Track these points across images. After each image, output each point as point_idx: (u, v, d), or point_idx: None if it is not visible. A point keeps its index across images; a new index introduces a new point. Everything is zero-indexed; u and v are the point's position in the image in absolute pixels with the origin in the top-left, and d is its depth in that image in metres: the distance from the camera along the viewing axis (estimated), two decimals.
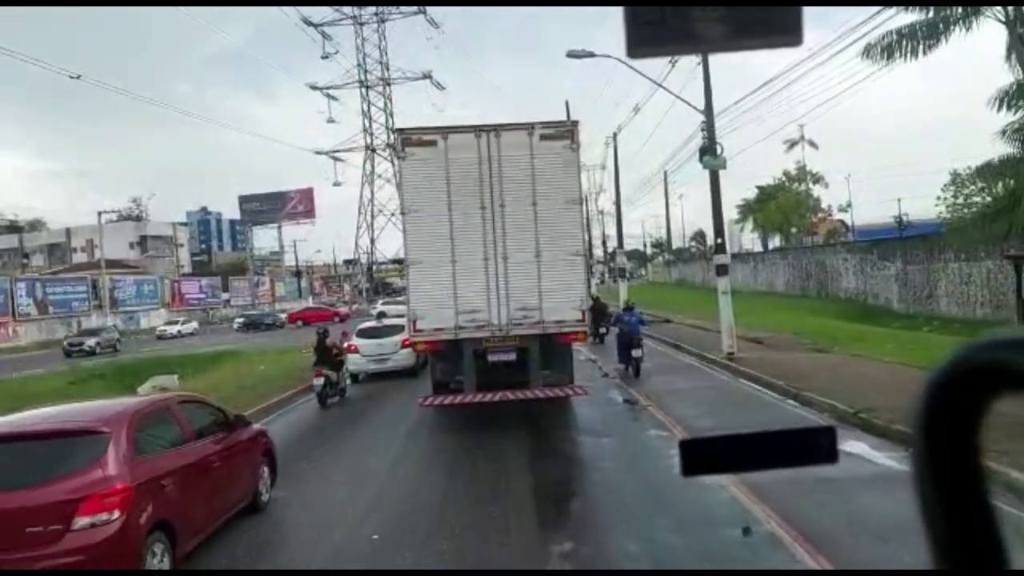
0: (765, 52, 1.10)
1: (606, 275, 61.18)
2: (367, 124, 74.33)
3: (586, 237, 21.31)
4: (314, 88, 73.91)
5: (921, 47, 10.75)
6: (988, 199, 31.34)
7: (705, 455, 1.27)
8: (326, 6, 69.90)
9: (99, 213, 57.92)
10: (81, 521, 5.33)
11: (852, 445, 8.68)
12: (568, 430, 11.32)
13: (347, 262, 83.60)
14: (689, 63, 18.83)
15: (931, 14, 11.25)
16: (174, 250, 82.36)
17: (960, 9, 10.92)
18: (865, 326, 23.48)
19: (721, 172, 18.18)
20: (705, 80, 17.93)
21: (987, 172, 14.58)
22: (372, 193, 74.68)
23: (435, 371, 12.56)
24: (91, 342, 42.00)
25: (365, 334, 18.75)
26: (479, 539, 6.69)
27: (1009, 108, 12.29)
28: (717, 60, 17.35)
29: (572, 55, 19.57)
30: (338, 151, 74.78)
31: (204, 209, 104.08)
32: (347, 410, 14.78)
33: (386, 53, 74.08)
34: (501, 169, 11.30)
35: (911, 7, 11.45)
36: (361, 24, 72.89)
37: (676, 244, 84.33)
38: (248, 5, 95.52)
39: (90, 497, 5.41)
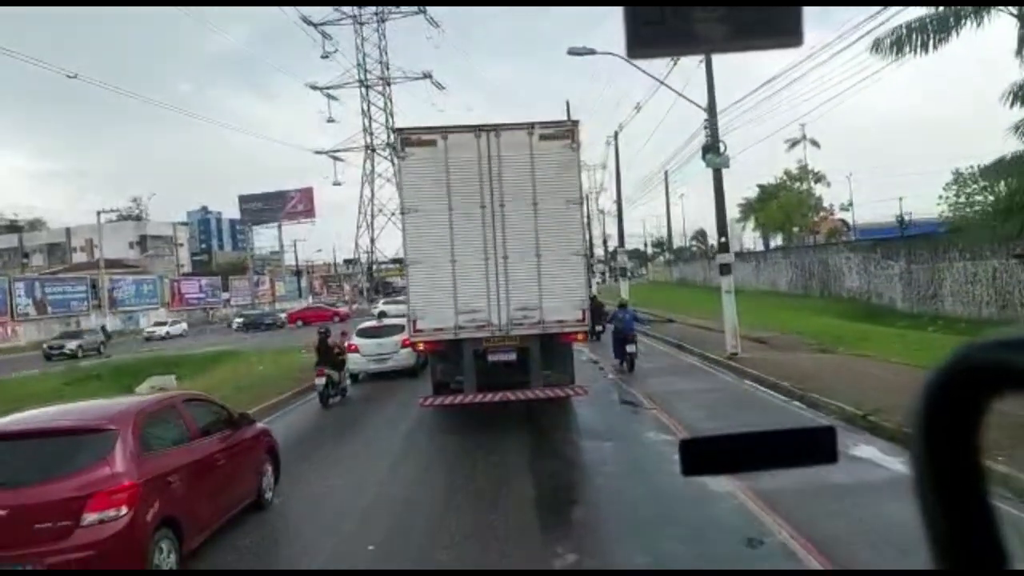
0: (765, 52, 1.08)
1: (607, 274, 61.00)
2: (367, 124, 74.16)
3: (587, 236, 21.18)
4: (314, 88, 73.74)
5: (932, 41, 10.52)
6: (991, 198, 31.29)
7: (705, 454, 1.27)
8: (326, 6, 69.74)
9: (98, 212, 57.75)
10: (90, 517, 5.39)
11: (862, 449, 8.47)
12: (570, 433, 11.12)
13: (347, 262, 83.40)
14: (691, 62, 18.63)
15: (940, 9, 11.07)
16: (174, 250, 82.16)
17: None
18: (869, 326, 23.26)
19: (723, 171, 17.99)
20: (708, 78, 17.73)
21: (998, 169, 14.30)
22: (372, 193, 74.52)
23: (435, 371, 12.50)
24: (72, 345, 40.40)
25: (365, 334, 18.70)
26: (479, 548, 6.47)
27: (1023, 104, 12.07)
28: (718, 59, 17.15)
29: (573, 52, 19.41)
30: (338, 151, 74.68)
31: (204, 209, 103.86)
32: (348, 410, 14.71)
33: (386, 53, 73.89)
34: (501, 169, 11.25)
35: (911, 7, 11.32)
36: (361, 24, 72.65)
37: (677, 243, 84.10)
38: (248, 5, 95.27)
39: (98, 493, 5.48)
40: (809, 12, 0.97)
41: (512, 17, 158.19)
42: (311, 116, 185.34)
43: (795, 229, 61.68)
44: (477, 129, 11.47)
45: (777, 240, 65.48)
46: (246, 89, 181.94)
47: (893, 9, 13.01)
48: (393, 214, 63.15)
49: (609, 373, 16.89)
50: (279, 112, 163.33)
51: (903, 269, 28.34)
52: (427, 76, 73.05)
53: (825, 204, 64.88)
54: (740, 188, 67.11)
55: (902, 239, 33.68)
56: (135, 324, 60.17)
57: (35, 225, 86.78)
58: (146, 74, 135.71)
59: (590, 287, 25.35)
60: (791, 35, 0.96)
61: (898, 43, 10.72)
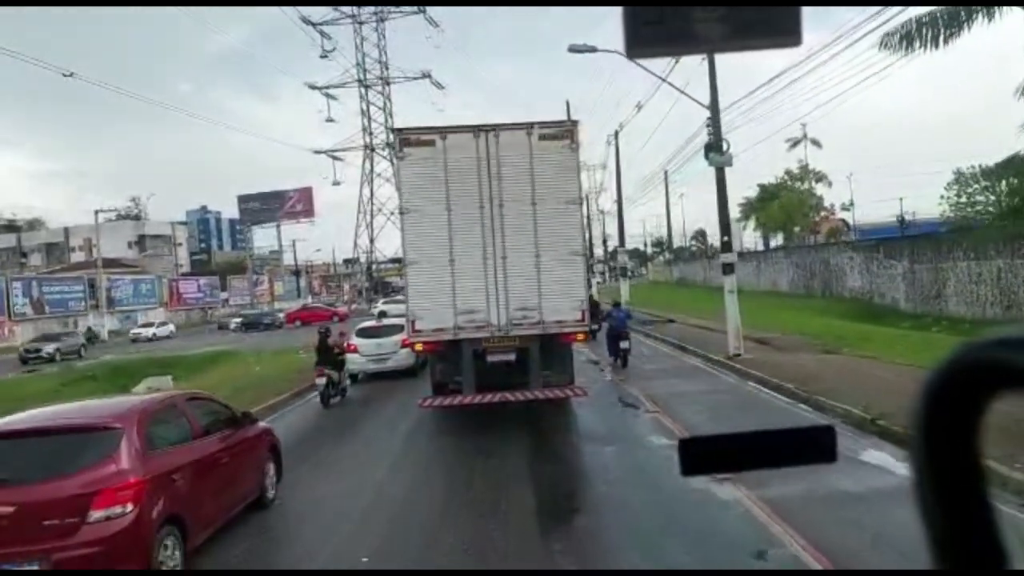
0: (765, 52, 1.08)
1: (607, 274, 60.76)
2: (366, 123, 73.90)
3: (586, 236, 21.04)
4: (313, 88, 73.45)
5: (942, 35, 10.27)
6: (992, 197, 31.09)
7: (704, 454, 1.27)
8: (326, 6, 69.47)
9: (96, 212, 57.53)
10: (96, 514, 5.45)
11: (871, 455, 8.24)
12: (570, 436, 10.91)
13: (347, 261, 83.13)
14: (692, 60, 18.41)
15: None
16: (173, 249, 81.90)
17: None
18: (872, 326, 23.03)
19: (726, 170, 17.75)
20: (711, 76, 17.52)
21: (1009, 167, 14.05)
22: (372, 192, 74.27)
23: (434, 372, 12.48)
24: (50, 348, 38.66)
25: (364, 334, 18.64)
26: (478, 560, 6.24)
27: None
28: (719, 59, 16.93)
29: (574, 49, 19.23)
30: (337, 150, 74.38)
31: (204, 208, 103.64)
32: (347, 411, 14.67)
33: (385, 52, 73.62)
34: (500, 169, 11.21)
35: (911, 7, 11.11)
36: (360, 23, 72.38)
37: (676, 243, 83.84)
38: (248, 5, 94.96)
39: (104, 491, 5.54)
40: (808, 12, 0.98)
41: (512, 17, 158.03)
42: (310, 116, 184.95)
43: (796, 229, 61.45)
44: (476, 129, 11.41)
45: (777, 240, 65.25)
46: (246, 89, 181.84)
47: (893, 10, 12.81)
48: (392, 214, 62.83)
49: (609, 374, 16.67)
50: (278, 112, 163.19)
51: (906, 269, 28.11)
52: (426, 76, 72.90)
53: (826, 204, 64.69)
54: (740, 188, 66.92)
55: (905, 239, 33.47)
56: (134, 324, 59.85)
57: (34, 225, 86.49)
58: (146, 74, 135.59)
59: (590, 287, 25.24)
60: (790, 35, 0.97)
61: (908, 38, 10.49)
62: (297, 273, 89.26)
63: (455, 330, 11.28)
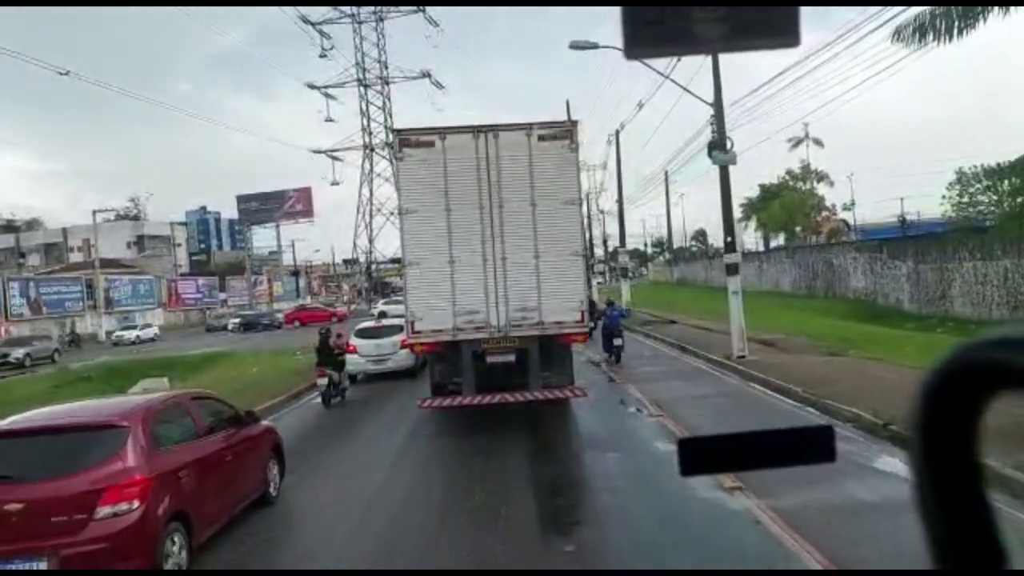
0: (764, 52, 1.08)
1: (607, 275, 60.48)
2: (366, 123, 73.58)
3: (586, 237, 20.91)
4: (312, 87, 73.15)
5: (956, 26, 9.99)
6: (994, 197, 30.87)
7: (704, 454, 1.27)
8: (325, 5, 69.17)
9: (94, 212, 57.41)
10: (103, 511, 5.51)
11: (885, 462, 7.95)
12: (571, 442, 10.64)
13: (346, 262, 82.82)
14: (693, 59, 18.15)
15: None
16: (172, 250, 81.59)
17: None
18: (877, 327, 22.76)
19: (729, 168, 17.48)
20: (714, 73, 17.27)
21: (1016, 168, 13.76)
22: (371, 192, 73.95)
23: (434, 372, 12.46)
24: (18, 353, 36.54)
25: (364, 334, 18.54)
26: (477, 561, 5.96)
27: None
28: (720, 58, 16.68)
29: (575, 46, 18.99)
30: (336, 150, 74.06)
31: (203, 208, 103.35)
32: (346, 412, 14.63)
33: (385, 52, 73.34)
34: (499, 170, 11.19)
35: (911, 7, 10.91)
36: (359, 23, 72.08)
37: (677, 243, 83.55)
38: (248, 5, 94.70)
39: (111, 488, 5.60)
40: (807, 12, 0.98)
41: (512, 17, 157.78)
42: (310, 116, 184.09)
43: (797, 229, 61.17)
44: (475, 130, 11.37)
45: (778, 240, 64.97)
46: (245, 89, 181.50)
47: (893, 10, 12.54)
48: (392, 214, 62.54)
49: (607, 372, 16.39)
50: (278, 112, 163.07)
51: (910, 269, 27.83)
52: (426, 75, 72.66)
53: (827, 204, 64.38)
54: (741, 188, 66.59)
55: (909, 239, 33.20)
56: (132, 324, 59.52)
57: (32, 225, 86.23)
58: (146, 74, 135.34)
59: (589, 288, 25.09)
60: (788, 35, 0.97)
61: (921, 30, 10.22)
62: (296, 273, 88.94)
63: (454, 331, 11.24)
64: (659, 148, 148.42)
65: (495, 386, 11.31)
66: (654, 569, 5.60)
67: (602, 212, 61.66)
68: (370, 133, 73.53)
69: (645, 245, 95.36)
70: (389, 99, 73.90)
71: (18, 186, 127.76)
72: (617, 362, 17.95)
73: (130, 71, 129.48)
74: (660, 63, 18.02)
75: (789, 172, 61.34)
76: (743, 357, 16.35)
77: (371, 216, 74.26)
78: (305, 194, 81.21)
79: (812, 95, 67.90)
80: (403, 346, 15.59)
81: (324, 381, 14.92)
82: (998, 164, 30.94)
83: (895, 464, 7.77)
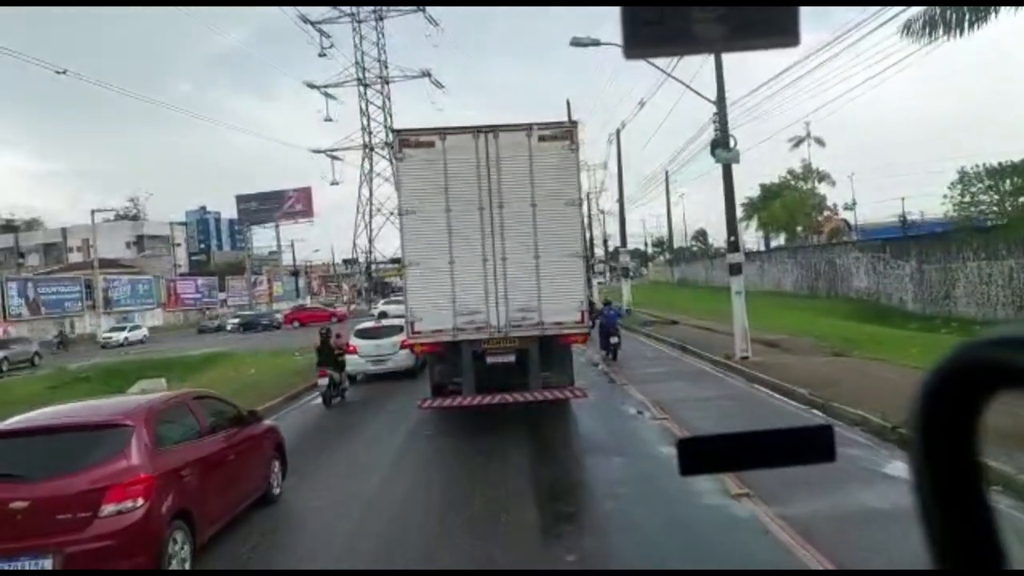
0: (764, 52, 1.08)
1: (607, 274, 60.27)
2: (365, 123, 73.39)
3: (586, 237, 20.83)
4: (312, 86, 72.96)
5: (967, 19, 9.79)
6: (995, 197, 30.71)
7: (703, 453, 1.26)
8: (325, 5, 68.96)
9: (92, 212, 57.09)
10: (108, 508, 5.55)
11: (896, 467, 7.74)
12: (573, 447, 10.43)
13: (346, 262, 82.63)
14: (694, 58, 17.97)
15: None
16: (171, 250, 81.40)
17: None
18: (881, 327, 22.56)
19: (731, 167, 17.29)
20: (717, 70, 17.09)
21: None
22: (371, 192, 73.76)
23: (434, 373, 12.41)
24: None
25: (363, 335, 18.43)
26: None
27: None
28: (722, 56, 16.51)
29: (576, 43, 18.80)
30: (336, 150, 73.86)
31: (203, 208, 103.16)
32: (346, 413, 14.56)
33: (384, 51, 73.16)
34: (499, 170, 11.19)
35: (910, 7, 10.77)
36: (359, 22, 71.88)
37: (677, 243, 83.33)
38: (248, 5, 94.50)
39: (115, 486, 5.63)
40: (807, 12, 0.98)
41: (512, 17, 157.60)
42: (309, 116, 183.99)
43: (799, 229, 60.97)
44: (475, 130, 11.37)
45: (779, 240, 64.76)
46: (245, 89, 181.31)
47: (894, 10, 12.35)
48: (392, 214, 62.35)
49: (611, 377, 16.19)
50: (278, 112, 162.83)
51: (914, 269, 27.63)
52: (426, 74, 72.48)
53: (829, 203, 64.17)
54: (742, 187, 66.29)
55: (912, 238, 33.00)
56: (130, 324, 59.28)
57: (32, 225, 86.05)
58: (145, 74, 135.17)
59: (590, 288, 24.95)
60: (788, 35, 0.97)
61: (931, 23, 10.02)
62: (296, 273, 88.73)
63: (454, 331, 11.23)
64: (660, 148, 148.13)
65: (495, 386, 11.30)
66: (654, 569, 5.55)
67: (602, 212, 61.55)
68: (370, 133, 73.44)
69: (645, 245, 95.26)
70: (389, 98, 73.84)
71: (18, 186, 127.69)
72: (614, 359, 18.22)
73: (130, 71, 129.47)
74: (662, 61, 17.86)
75: (790, 172, 61.16)
76: (746, 358, 16.16)
77: (371, 216, 74.19)
78: (305, 194, 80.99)
79: (813, 95, 67.81)
80: (403, 346, 15.57)
81: (325, 381, 14.91)
82: (1000, 164, 30.82)
83: (906, 469, 7.55)
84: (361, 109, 73.37)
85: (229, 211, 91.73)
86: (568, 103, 49.11)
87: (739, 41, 0.99)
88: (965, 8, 9.64)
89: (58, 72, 32.94)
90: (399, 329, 15.42)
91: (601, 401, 13.11)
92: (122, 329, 49.87)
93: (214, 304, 73.83)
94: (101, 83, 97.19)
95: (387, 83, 73.53)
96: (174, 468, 6.21)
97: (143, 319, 59.79)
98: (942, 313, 24.86)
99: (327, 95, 72.23)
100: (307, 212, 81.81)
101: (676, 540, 6.28)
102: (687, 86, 18.05)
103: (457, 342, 11.30)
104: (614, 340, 18.48)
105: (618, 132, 36.48)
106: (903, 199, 58.45)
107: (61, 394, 18.92)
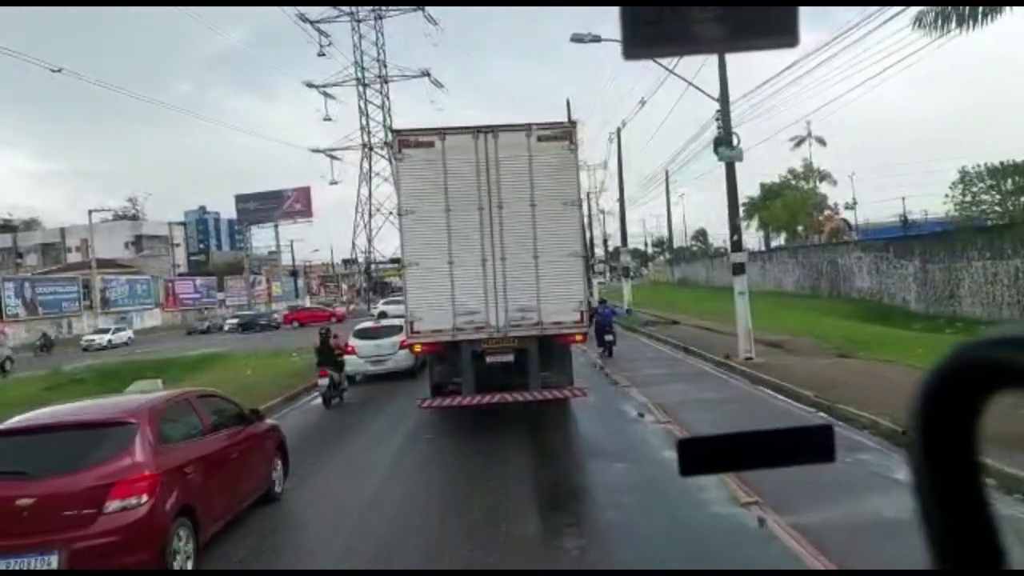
0: (763, 52, 1.07)
1: (607, 274, 60.06)
2: (364, 122, 73.07)
3: (585, 237, 20.73)
4: (311, 86, 72.60)
5: (981, 11, 9.58)
6: (997, 196, 30.52)
7: (703, 454, 1.27)
8: (324, 4, 68.66)
9: (90, 212, 56.93)
10: (112, 505, 5.60)
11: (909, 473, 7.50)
12: (574, 452, 10.20)
13: (345, 262, 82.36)
14: (695, 57, 17.76)
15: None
16: (170, 250, 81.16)
17: None
18: (885, 328, 22.34)
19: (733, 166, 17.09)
20: (720, 68, 16.87)
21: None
22: (370, 192, 73.44)
23: (433, 373, 12.38)
24: None
25: (363, 335, 18.31)
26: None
27: None
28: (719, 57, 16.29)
29: (576, 39, 18.58)
30: (335, 149, 73.52)
31: (202, 208, 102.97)
32: (345, 414, 14.48)
33: (384, 51, 72.82)
34: (499, 170, 11.20)
35: (909, 7, 10.61)
36: (358, 21, 71.57)
37: (677, 243, 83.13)
38: (248, 5, 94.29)
39: (120, 483, 5.69)
40: (806, 12, 0.98)
41: (512, 17, 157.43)
42: (309, 115, 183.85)
43: (799, 228, 60.75)
44: (475, 131, 11.37)
45: (779, 240, 64.54)
46: (244, 89, 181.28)
47: (894, 9, 12.14)
48: (391, 213, 62.11)
49: (613, 379, 15.96)
50: (277, 112, 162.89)
51: (917, 269, 27.41)
52: (425, 74, 72.14)
53: (830, 203, 63.94)
54: (742, 187, 65.99)
55: (915, 238, 32.78)
56: (129, 324, 59.01)
57: (30, 225, 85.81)
58: (145, 74, 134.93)
59: (589, 288, 24.76)
60: (787, 35, 0.97)
61: (944, 16, 9.79)
62: (295, 273, 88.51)
63: (454, 331, 11.22)
64: (660, 147, 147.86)
65: (494, 386, 11.28)
66: (654, 569, 5.49)
67: (602, 212, 61.35)
68: (369, 132, 73.09)
69: (645, 245, 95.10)
70: (388, 98, 73.48)
71: (18, 186, 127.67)
72: (610, 356, 18.93)
73: (130, 71, 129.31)
74: (665, 59, 17.66)
75: (791, 171, 60.94)
76: (750, 359, 15.94)
77: (370, 216, 73.84)
78: (304, 194, 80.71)
79: (814, 94, 67.63)
80: (402, 346, 15.50)
81: (326, 381, 14.87)
82: (1001, 163, 30.66)
83: None
84: (360, 109, 73.11)
85: (228, 211, 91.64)
86: (568, 103, 48.97)
87: (738, 41, 0.99)
88: (980, 7, 9.43)
89: (54, 71, 32.70)
90: (398, 329, 15.38)
91: (602, 403, 12.89)
92: (106, 331, 48.40)
93: (213, 304, 73.59)
94: (101, 83, 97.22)
95: (386, 83, 73.28)
96: (178, 465, 6.26)
97: (141, 319, 59.67)
98: (946, 313, 24.65)
99: (326, 95, 72.00)
100: (306, 212, 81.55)
101: (681, 550, 6.04)
102: (690, 83, 17.86)
103: (456, 342, 11.28)
104: (608, 338, 19.16)
105: (618, 131, 36.28)
106: (904, 199, 58.29)
107: (57, 395, 18.71)
